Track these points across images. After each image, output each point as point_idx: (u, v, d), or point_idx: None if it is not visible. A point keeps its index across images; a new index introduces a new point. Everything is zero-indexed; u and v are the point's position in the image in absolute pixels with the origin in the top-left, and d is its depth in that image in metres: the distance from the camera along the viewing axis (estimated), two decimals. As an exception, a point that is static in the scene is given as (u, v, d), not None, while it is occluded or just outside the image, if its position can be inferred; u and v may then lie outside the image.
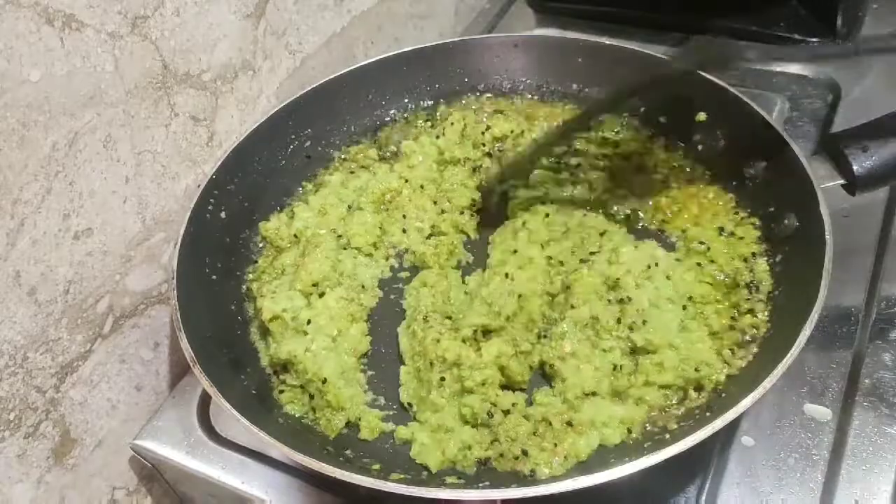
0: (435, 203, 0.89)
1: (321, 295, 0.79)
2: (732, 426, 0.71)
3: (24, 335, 0.68)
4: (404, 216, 0.88)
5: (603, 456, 0.66)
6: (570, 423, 0.67)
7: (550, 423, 0.67)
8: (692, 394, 0.69)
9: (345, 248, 0.85)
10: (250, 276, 0.85)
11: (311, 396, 0.73)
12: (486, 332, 0.74)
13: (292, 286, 0.79)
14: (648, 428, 0.68)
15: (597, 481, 0.57)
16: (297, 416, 0.73)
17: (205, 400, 0.82)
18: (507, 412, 0.69)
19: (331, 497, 0.72)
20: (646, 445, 0.65)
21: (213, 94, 0.85)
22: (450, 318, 0.77)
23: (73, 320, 0.73)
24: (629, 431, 0.67)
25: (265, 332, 0.78)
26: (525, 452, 0.66)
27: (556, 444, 0.66)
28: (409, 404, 0.73)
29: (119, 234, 0.76)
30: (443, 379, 0.71)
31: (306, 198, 0.91)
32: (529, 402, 0.71)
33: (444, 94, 1.03)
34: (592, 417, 0.67)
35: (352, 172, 0.95)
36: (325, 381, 0.71)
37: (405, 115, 1.02)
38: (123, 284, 0.78)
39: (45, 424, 0.72)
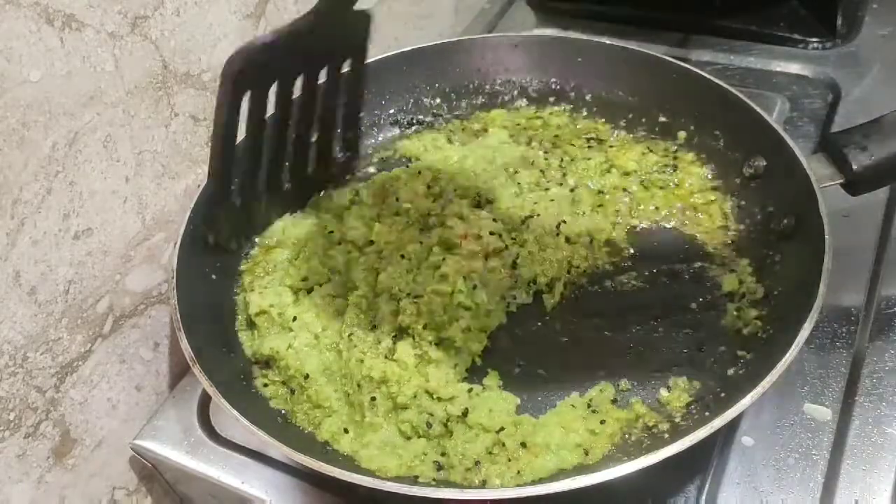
0: (428, 188, 0.89)
1: (309, 291, 0.79)
2: (732, 426, 0.71)
3: (24, 335, 0.68)
4: (397, 199, 0.88)
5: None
6: (524, 445, 0.66)
7: (504, 445, 0.66)
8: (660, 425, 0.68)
9: (339, 244, 0.84)
10: (244, 265, 0.85)
11: (293, 391, 0.73)
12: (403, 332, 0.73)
13: (282, 282, 0.80)
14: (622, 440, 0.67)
15: (595, 481, 0.57)
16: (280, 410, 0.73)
17: (205, 400, 0.82)
18: (445, 423, 0.68)
19: (331, 497, 0.72)
20: (644, 445, 0.65)
21: (213, 94, 0.84)
22: (375, 327, 0.75)
23: (73, 320, 0.73)
24: (586, 453, 0.66)
25: (251, 325, 0.79)
26: (477, 463, 0.65)
27: (509, 460, 0.65)
28: (346, 430, 0.70)
29: (119, 234, 0.76)
30: (373, 399, 0.70)
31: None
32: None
33: (445, 94, 1.03)
34: (547, 441, 0.66)
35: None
36: (307, 377, 0.72)
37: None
38: (123, 284, 0.78)
39: (45, 424, 0.72)
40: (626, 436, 0.68)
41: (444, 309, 0.74)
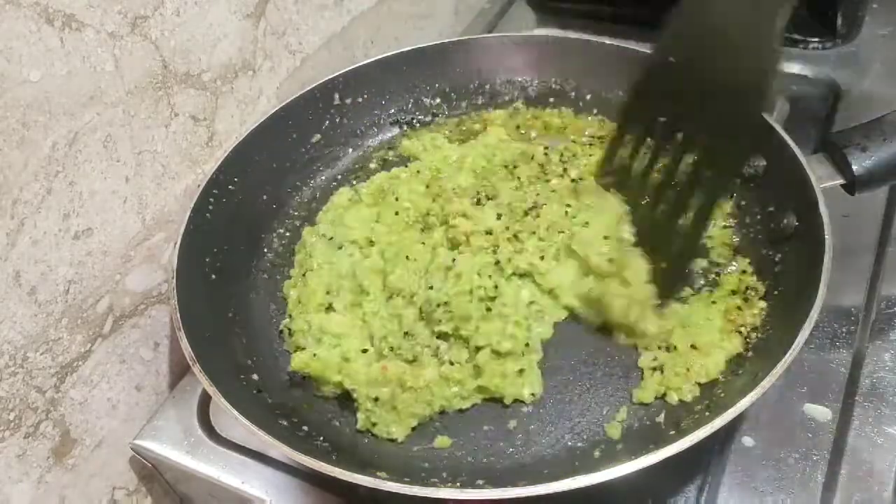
0: (427, 187, 0.89)
1: (328, 308, 0.79)
2: (732, 426, 0.71)
3: (24, 335, 0.68)
4: (396, 198, 0.88)
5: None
6: (694, 346, 0.70)
7: (676, 348, 0.70)
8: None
9: (340, 248, 0.84)
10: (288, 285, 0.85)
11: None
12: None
13: (306, 308, 0.79)
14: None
15: (596, 481, 0.57)
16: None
17: (205, 400, 0.82)
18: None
19: (331, 497, 0.72)
20: (646, 446, 0.65)
21: (213, 94, 0.85)
22: (408, 334, 0.76)
23: (73, 320, 0.73)
24: (740, 333, 0.72)
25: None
26: (661, 370, 0.70)
27: (688, 369, 0.69)
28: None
29: (119, 234, 0.76)
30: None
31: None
32: None
33: (445, 94, 1.03)
34: (710, 337, 0.71)
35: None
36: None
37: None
38: (123, 284, 0.78)
39: (45, 424, 0.72)
40: (740, 310, 0.74)
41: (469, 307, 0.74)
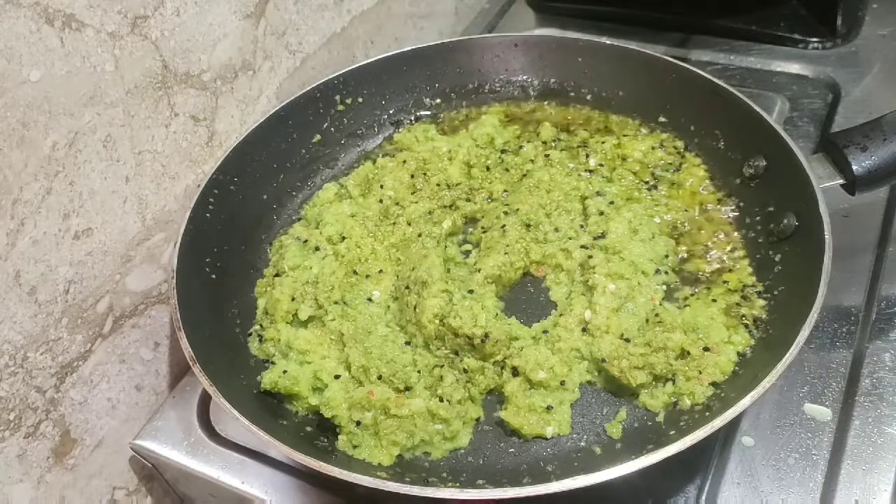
0: (412, 177, 0.89)
1: (303, 321, 0.78)
2: (732, 426, 0.71)
3: (24, 335, 0.68)
4: (381, 186, 0.89)
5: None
6: (707, 349, 0.70)
7: (689, 353, 0.70)
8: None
9: (317, 249, 0.84)
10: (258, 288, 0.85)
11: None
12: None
13: (273, 319, 0.78)
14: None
15: (596, 481, 0.57)
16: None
17: (205, 400, 0.82)
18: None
19: (331, 497, 0.72)
20: (645, 446, 0.66)
21: (213, 94, 0.85)
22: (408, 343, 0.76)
23: (73, 320, 0.73)
24: (745, 326, 0.72)
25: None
26: (673, 381, 0.69)
27: (700, 372, 0.69)
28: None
29: (119, 234, 0.76)
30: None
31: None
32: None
33: (444, 94, 1.03)
34: (720, 335, 0.71)
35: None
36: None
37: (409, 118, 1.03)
38: (123, 284, 0.78)
39: (45, 424, 0.72)
40: (738, 307, 0.75)
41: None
